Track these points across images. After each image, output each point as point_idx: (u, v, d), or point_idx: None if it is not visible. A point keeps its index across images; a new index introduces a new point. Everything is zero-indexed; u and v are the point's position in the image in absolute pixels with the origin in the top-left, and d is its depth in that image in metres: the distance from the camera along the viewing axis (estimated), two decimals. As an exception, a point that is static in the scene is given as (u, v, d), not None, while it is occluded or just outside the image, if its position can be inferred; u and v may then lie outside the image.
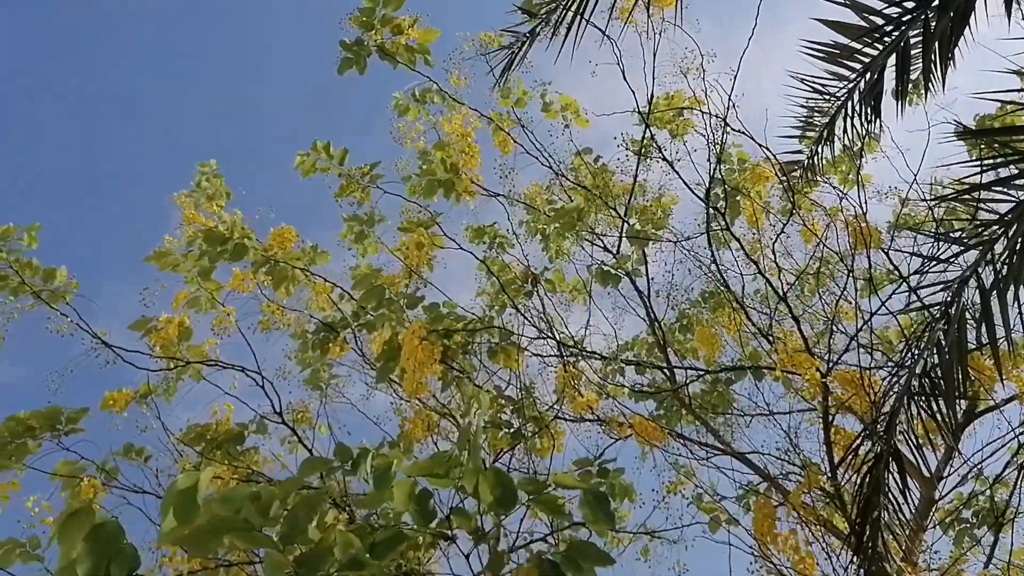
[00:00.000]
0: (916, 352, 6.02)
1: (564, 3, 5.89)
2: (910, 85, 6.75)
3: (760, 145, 6.71)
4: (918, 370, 6.01)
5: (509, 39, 6.10)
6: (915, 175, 6.74)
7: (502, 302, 7.65)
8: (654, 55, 6.93)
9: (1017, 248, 5.33)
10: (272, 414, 6.83)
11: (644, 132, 7.18)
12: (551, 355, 7.64)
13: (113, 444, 6.66)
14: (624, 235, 7.19)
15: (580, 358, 7.55)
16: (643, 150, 7.30)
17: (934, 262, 5.88)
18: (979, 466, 7.01)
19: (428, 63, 7.05)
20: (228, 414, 6.71)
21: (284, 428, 7.30)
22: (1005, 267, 5.31)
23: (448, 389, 7.76)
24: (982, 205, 5.97)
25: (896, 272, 6.95)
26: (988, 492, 7.17)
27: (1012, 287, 5.37)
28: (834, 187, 7.44)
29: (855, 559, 6.15)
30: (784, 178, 7.14)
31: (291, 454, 7.69)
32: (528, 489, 3.10)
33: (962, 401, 6.92)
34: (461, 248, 7.10)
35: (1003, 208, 5.40)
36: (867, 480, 6.16)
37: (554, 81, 7.72)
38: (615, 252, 7.64)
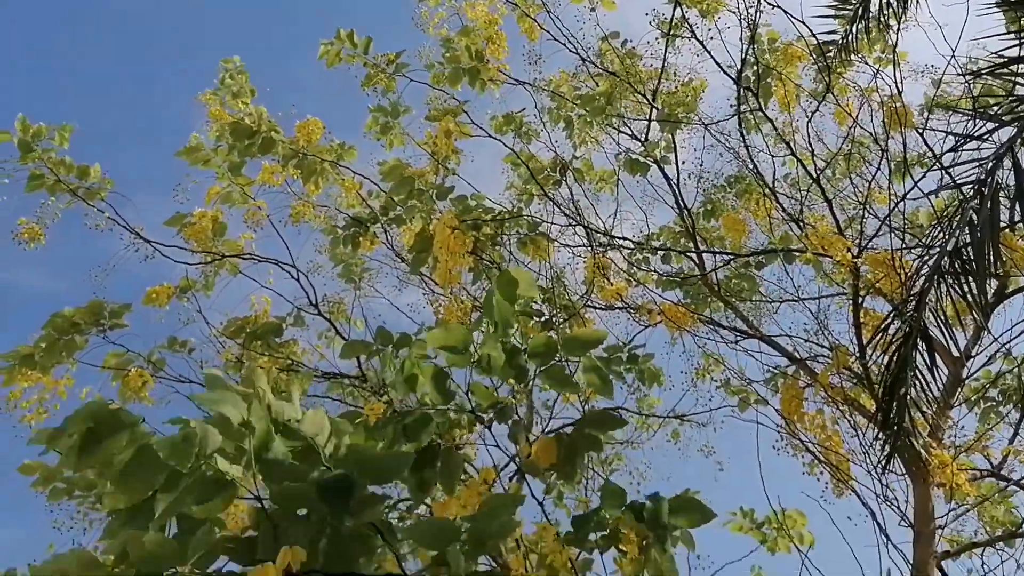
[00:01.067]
0: (948, 231, 6.00)
1: None
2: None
3: (795, 19, 6.52)
4: (949, 248, 6.00)
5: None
6: (953, 51, 6.54)
7: (530, 193, 7.66)
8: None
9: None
10: (308, 306, 6.98)
11: (673, 11, 6.99)
12: (580, 246, 7.69)
13: (157, 338, 6.87)
14: (653, 119, 7.10)
15: (609, 247, 7.59)
16: (672, 31, 7.12)
17: (968, 139, 5.79)
18: (1008, 345, 7.06)
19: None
20: (265, 307, 6.87)
21: (321, 321, 7.49)
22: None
23: (479, 281, 7.87)
24: (1019, 80, 5.81)
25: (929, 152, 6.84)
26: (1016, 371, 7.24)
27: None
28: (869, 65, 7.26)
29: (881, 435, 6.30)
30: (818, 58, 6.97)
31: (328, 347, 7.91)
32: (537, 360, 3.21)
33: (993, 281, 6.91)
34: (489, 135, 7.06)
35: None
36: (895, 358, 6.25)
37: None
38: (643, 140, 7.57)
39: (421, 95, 7.58)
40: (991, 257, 5.76)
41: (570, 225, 7.23)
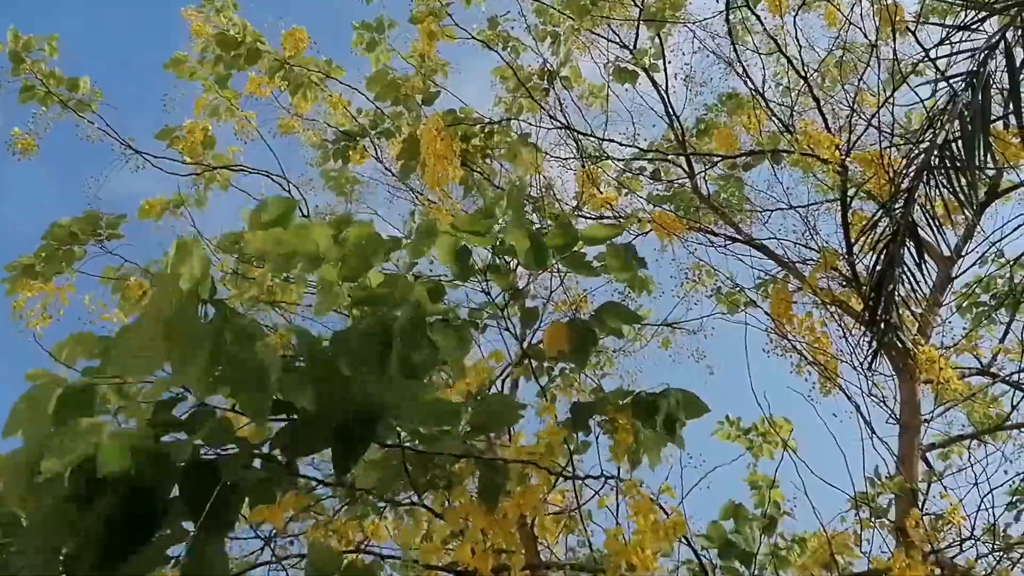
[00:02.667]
0: (938, 126, 5.96)
1: None
2: None
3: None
4: (939, 142, 5.98)
5: None
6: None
7: (519, 105, 7.62)
8: None
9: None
10: (301, 218, 7.01)
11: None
12: (570, 157, 7.69)
13: (153, 253, 6.93)
14: (640, 19, 7.03)
15: (599, 157, 7.59)
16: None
17: (957, 30, 5.71)
18: (998, 244, 7.08)
19: None
20: (258, 220, 6.87)
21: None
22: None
23: (470, 194, 7.89)
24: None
25: (921, 50, 6.74)
26: (1008, 272, 7.25)
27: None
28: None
29: (867, 332, 6.36)
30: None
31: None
32: (558, 244, 3.26)
33: (984, 177, 6.89)
34: (473, 38, 7.02)
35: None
36: (883, 256, 6.28)
37: None
38: (632, 48, 7.51)
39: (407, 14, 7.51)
40: (981, 149, 5.74)
41: (557, 128, 7.21)
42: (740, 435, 6.88)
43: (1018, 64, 5.25)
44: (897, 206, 6.21)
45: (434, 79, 7.09)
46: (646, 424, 3.07)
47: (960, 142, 5.67)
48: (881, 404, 6.33)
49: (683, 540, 4.87)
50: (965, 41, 5.64)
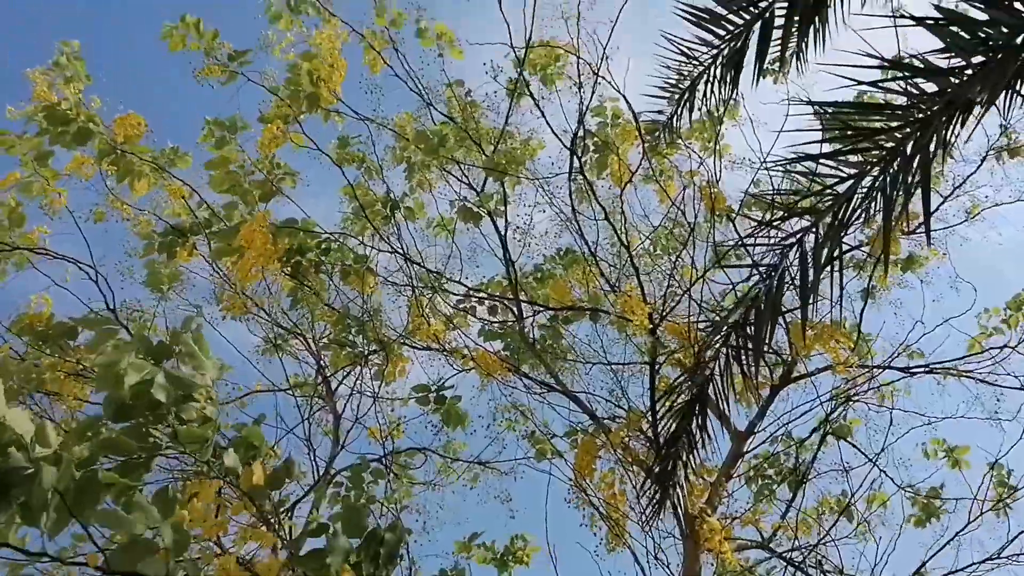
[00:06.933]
0: (741, 309, 6.38)
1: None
2: (776, 64, 7.07)
3: (622, 94, 6.94)
4: (731, 320, 6.37)
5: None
6: (763, 150, 7.09)
7: (362, 226, 7.65)
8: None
9: (840, 217, 5.70)
10: (105, 311, 6.66)
11: (520, 74, 7.32)
12: (405, 284, 7.72)
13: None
14: (483, 166, 7.31)
15: (435, 288, 7.67)
16: (516, 89, 7.43)
17: (765, 226, 6.22)
18: (787, 426, 7.53)
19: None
20: (46, 308, 6.45)
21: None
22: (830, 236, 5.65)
23: (298, 306, 7.75)
24: (820, 178, 6.29)
25: (738, 238, 7.29)
26: (793, 453, 7.67)
27: (829, 252, 5.73)
28: (694, 153, 7.77)
29: (653, 487, 6.53)
30: (645, 137, 7.39)
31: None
32: None
33: (780, 361, 7.37)
34: (320, 151, 7.10)
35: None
36: (680, 420, 6.53)
37: (429, 8, 7.70)
38: (479, 190, 7.78)
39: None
40: (769, 333, 6.16)
41: (391, 253, 7.29)
42: (495, 558, 7.15)
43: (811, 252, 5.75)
44: (698, 376, 6.52)
45: (278, 185, 7.05)
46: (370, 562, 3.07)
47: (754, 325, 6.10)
48: (665, 567, 6.45)
49: None
50: (777, 237, 6.12)
